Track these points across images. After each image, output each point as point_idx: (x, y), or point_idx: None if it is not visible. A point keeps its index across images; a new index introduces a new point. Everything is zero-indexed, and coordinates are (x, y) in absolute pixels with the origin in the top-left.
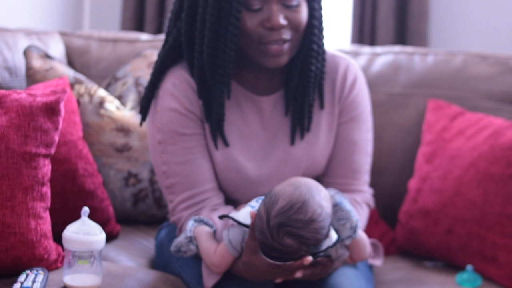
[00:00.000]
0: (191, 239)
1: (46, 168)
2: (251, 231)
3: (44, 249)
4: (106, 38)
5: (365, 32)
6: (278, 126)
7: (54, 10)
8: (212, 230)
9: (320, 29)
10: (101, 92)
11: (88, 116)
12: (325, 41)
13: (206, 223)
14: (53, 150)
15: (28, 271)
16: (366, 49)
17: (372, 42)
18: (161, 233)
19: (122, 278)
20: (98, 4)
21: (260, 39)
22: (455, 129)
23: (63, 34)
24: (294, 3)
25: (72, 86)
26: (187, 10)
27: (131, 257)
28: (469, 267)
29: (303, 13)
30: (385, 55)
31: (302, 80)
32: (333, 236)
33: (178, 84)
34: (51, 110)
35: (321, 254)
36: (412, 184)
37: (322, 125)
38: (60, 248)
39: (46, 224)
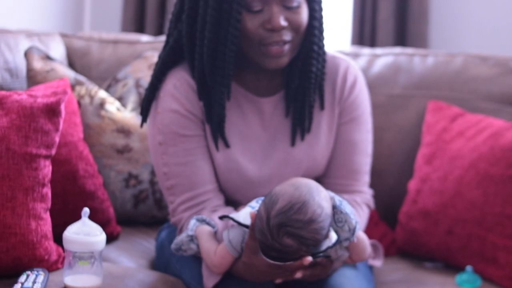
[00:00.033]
0: (192, 238)
1: (46, 169)
2: (251, 232)
3: (45, 250)
4: (106, 39)
5: (365, 33)
6: (278, 127)
7: (55, 11)
8: (214, 230)
9: (321, 30)
10: (102, 94)
11: (89, 117)
12: (325, 42)
13: (208, 223)
14: (53, 151)
15: (28, 272)
16: (366, 51)
17: (372, 43)
18: (161, 234)
19: (122, 279)
20: (99, 5)
21: (260, 40)
22: (455, 130)
23: (63, 36)
24: (295, 4)
25: (72, 87)
26: (188, 11)
27: (132, 258)
28: (468, 268)
29: (304, 14)
30: (385, 57)
31: (302, 81)
32: (333, 236)
33: (179, 86)
34: (51, 111)
35: (321, 254)
36: (412, 185)
37: (323, 126)
38: (60, 249)
39: (46, 225)
